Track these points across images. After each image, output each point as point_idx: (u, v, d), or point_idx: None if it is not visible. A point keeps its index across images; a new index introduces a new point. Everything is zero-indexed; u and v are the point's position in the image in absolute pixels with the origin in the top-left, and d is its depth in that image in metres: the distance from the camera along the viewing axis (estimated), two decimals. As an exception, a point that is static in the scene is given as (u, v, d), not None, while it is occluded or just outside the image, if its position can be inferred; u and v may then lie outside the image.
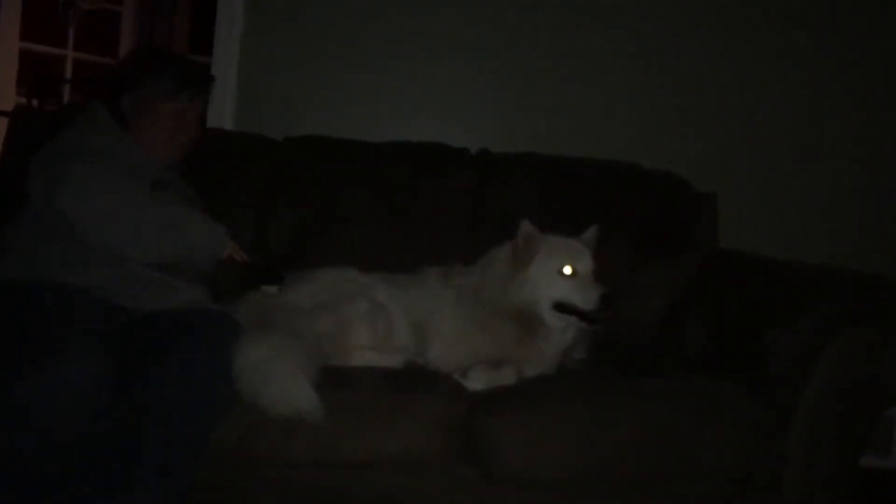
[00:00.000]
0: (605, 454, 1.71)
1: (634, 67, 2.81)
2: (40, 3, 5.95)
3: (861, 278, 1.92)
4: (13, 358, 1.50)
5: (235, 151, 2.44)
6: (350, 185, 2.39)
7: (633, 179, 2.48)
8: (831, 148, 2.86)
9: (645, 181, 2.47)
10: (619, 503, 1.78)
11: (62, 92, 5.92)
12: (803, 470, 1.77)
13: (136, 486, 1.50)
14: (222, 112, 2.75)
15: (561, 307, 1.90)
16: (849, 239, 2.82)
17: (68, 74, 6.16)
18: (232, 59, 2.73)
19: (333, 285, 1.95)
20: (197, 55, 5.63)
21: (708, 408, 1.78)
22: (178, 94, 1.97)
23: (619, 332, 2.14)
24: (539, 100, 2.81)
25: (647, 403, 1.77)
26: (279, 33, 2.76)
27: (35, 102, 5.34)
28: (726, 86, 2.83)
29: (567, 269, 1.91)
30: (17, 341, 1.54)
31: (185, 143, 2.03)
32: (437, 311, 1.96)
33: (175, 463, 1.55)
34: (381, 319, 1.89)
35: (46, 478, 1.46)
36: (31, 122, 2.46)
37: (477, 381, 1.82)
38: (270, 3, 2.76)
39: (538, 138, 2.70)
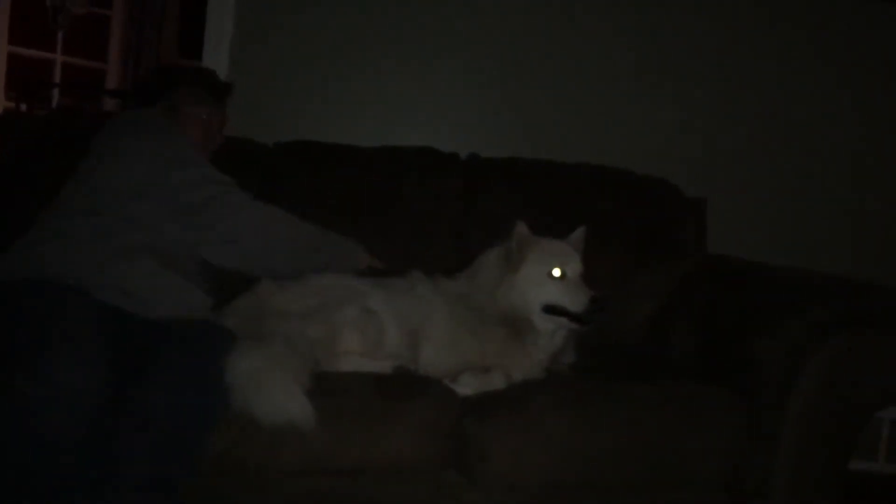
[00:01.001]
0: (594, 459, 1.71)
1: (625, 73, 2.82)
2: (29, 8, 5.94)
3: (849, 283, 1.94)
4: (7, 359, 1.49)
5: (225, 156, 2.42)
6: (340, 190, 2.38)
7: (623, 184, 2.49)
8: (820, 153, 2.88)
9: (635, 186, 2.49)
10: (609, 509, 1.78)
11: (51, 96, 5.91)
12: (793, 475, 1.77)
13: (125, 493, 1.49)
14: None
15: (550, 309, 1.90)
16: (838, 244, 2.84)
17: (57, 79, 6.16)
18: (221, 64, 2.72)
19: (325, 290, 1.94)
20: (186, 60, 5.65)
21: (697, 413, 1.78)
22: (206, 100, 2.13)
23: (609, 337, 2.15)
24: (529, 105, 2.82)
25: (636, 408, 1.77)
26: (269, 38, 2.75)
27: (24, 107, 5.33)
28: (717, 92, 2.84)
29: (556, 272, 1.91)
30: (11, 342, 1.53)
31: (212, 149, 2.17)
32: (428, 316, 1.96)
33: (165, 471, 1.53)
34: (370, 325, 1.88)
35: (38, 483, 1.45)
36: (19, 127, 2.45)
37: (467, 387, 1.81)
38: (260, 8, 2.76)
39: (528, 143, 2.70)
